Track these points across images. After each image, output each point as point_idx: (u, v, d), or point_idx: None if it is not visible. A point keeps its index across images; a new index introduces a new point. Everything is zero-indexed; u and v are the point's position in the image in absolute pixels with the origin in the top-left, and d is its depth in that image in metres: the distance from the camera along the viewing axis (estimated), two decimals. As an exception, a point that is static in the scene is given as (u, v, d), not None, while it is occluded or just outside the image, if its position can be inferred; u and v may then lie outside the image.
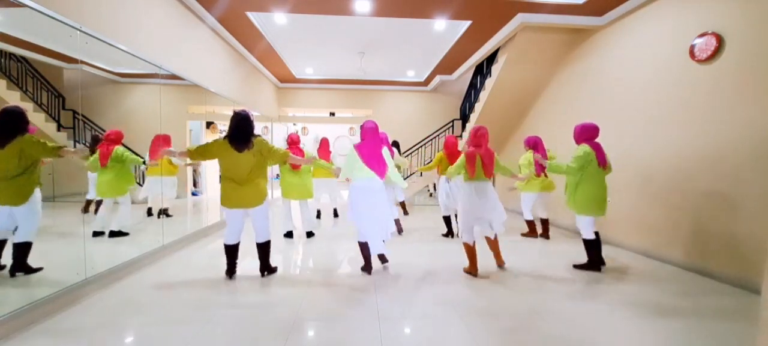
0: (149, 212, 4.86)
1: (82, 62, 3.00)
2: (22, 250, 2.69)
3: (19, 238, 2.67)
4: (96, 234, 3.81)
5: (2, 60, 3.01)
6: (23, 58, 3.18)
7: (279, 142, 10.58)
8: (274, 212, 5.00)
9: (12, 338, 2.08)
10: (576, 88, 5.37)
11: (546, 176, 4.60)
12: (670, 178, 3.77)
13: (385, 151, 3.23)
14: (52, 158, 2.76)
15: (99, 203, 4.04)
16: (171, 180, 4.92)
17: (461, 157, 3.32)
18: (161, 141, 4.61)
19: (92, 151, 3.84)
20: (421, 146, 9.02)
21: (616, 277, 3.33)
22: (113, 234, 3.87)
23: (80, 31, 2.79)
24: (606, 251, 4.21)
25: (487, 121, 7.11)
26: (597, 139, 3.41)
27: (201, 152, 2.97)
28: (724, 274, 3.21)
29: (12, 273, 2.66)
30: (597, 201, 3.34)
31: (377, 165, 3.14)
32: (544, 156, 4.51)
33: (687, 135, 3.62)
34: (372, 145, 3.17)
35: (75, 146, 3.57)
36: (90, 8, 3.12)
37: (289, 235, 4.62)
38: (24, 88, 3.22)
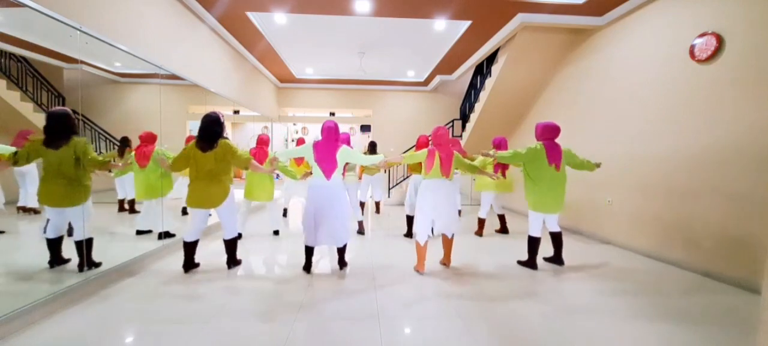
0: (184, 211, 5.06)
1: (82, 62, 3.00)
2: (87, 246, 2.87)
3: (77, 236, 2.83)
4: (140, 233, 3.94)
5: (2, 60, 3.01)
6: (23, 58, 3.17)
7: (278, 141, 10.58)
8: (265, 212, 5.03)
9: (12, 338, 2.08)
10: (576, 88, 5.37)
11: (504, 176, 4.71)
12: (670, 177, 3.77)
13: (342, 151, 3.14)
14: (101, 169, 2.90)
15: (132, 202, 4.09)
16: None
17: (422, 154, 3.33)
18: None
19: (121, 153, 3.92)
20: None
21: (617, 277, 3.33)
22: (140, 232, 3.95)
23: (80, 31, 2.80)
24: (607, 251, 4.22)
25: (487, 121, 7.11)
26: (557, 140, 3.45)
27: (177, 162, 3.11)
28: (724, 274, 3.21)
29: (80, 269, 2.84)
30: (546, 198, 3.38)
31: (327, 166, 3.11)
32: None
33: (687, 135, 3.61)
34: (327, 145, 3.14)
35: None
36: (90, 8, 3.12)
37: (275, 233, 4.70)
38: (24, 88, 3.21)
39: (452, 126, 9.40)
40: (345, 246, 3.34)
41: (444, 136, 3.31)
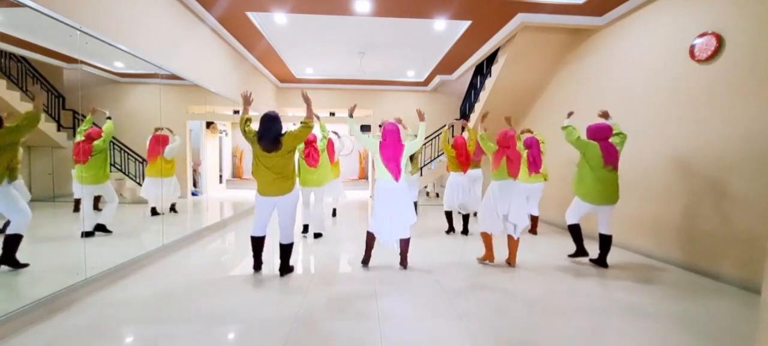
0: (153, 212, 4.93)
1: (82, 62, 3.00)
2: (12, 242, 2.68)
3: (9, 230, 2.67)
4: (86, 234, 3.74)
5: (2, 60, 3.01)
6: (23, 58, 3.17)
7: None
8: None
9: (12, 338, 2.08)
10: (576, 88, 5.37)
11: (538, 171, 4.66)
12: (670, 177, 3.77)
13: (406, 153, 3.27)
14: (33, 124, 2.64)
15: (78, 201, 4.00)
16: (169, 181, 4.94)
17: (491, 147, 3.49)
18: (157, 141, 4.61)
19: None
20: (422, 146, 9.01)
21: (617, 277, 3.33)
22: (98, 228, 3.79)
23: (80, 31, 2.80)
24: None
25: (488, 121, 7.09)
26: (610, 140, 3.48)
27: (245, 128, 3.11)
28: (724, 274, 3.21)
29: None
30: (597, 190, 3.43)
31: (394, 168, 3.21)
32: (539, 158, 4.49)
33: (687, 135, 3.62)
34: (392, 147, 3.23)
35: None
36: (90, 8, 3.12)
37: (317, 235, 4.65)
38: (24, 88, 3.21)
39: (452, 126, 9.40)
40: (408, 240, 3.40)
41: (513, 139, 3.43)
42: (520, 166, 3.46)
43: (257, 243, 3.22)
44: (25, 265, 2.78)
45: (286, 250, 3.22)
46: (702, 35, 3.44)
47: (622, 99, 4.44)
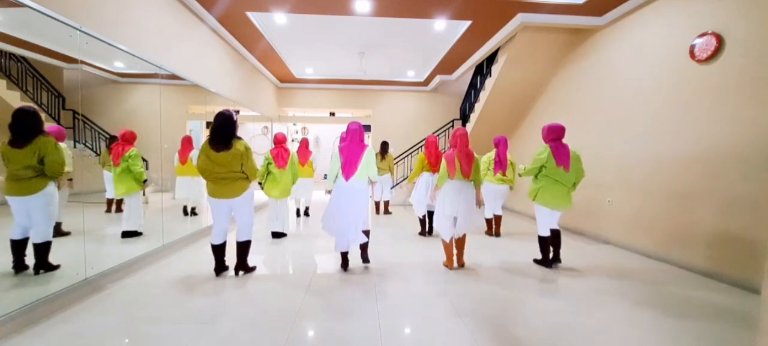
0: (185, 211, 5.19)
1: (82, 62, 3.00)
2: (41, 249, 2.72)
3: (36, 238, 2.69)
4: (126, 234, 3.87)
5: (2, 60, 3.01)
6: (23, 58, 3.17)
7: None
8: (267, 212, 5.01)
9: (12, 338, 2.08)
10: (576, 89, 5.37)
11: (504, 174, 4.72)
12: (670, 177, 3.77)
13: (366, 155, 3.17)
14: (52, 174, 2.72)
15: (120, 202, 4.08)
16: (197, 180, 5.06)
17: (442, 163, 3.38)
18: (187, 142, 4.88)
19: (110, 150, 3.86)
20: (421, 146, 9.01)
21: (617, 277, 3.33)
22: (126, 234, 3.87)
23: (80, 31, 2.79)
24: (607, 251, 4.22)
25: (487, 121, 7.12)
26: (563, 140, 3.46)
27: (201, 169, 3.02)
28: (724, 274, 3.21)
29: (36, 271, 2.72)
30: (553, 192, 3.41)
31: (348, 168, 3.14)
32: (505, 156, 4.71)
33: (686, 135, 3.62)
34: (353, 147, 3.17)
35: (75, 146, 3.59)
36: (90, 8, 3.12)
37: (277, 235, 4.65)
38: (24, 88, 3.21)
39: (452, 126, 9.41)
40: (365, 244, 3.37)
41: (462, 137, 3.38)
42: (473, 165, 3.35)
43: (217, 250, 3.16)
44: (57, 266, 2.83)
45: (242, 248, 3.18)
46: (702, 35, 3.44)
47: (622, 99, 4.45)
